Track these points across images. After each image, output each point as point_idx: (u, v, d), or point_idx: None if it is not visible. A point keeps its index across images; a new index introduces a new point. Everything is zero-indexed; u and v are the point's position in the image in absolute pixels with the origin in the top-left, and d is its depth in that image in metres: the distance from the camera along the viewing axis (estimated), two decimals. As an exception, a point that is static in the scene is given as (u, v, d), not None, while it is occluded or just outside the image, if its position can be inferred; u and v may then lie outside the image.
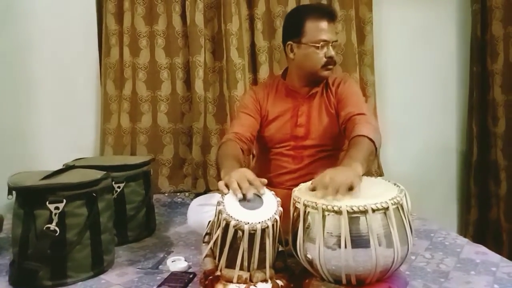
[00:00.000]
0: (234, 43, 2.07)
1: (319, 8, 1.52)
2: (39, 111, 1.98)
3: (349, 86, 1.49)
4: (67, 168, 1.38)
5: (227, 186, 1.08)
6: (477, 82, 2.24)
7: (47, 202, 1.14)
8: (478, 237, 2.22)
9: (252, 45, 2.17)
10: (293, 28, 1.46)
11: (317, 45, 1.41)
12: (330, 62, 1.43)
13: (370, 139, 1.22)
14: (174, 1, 2.11)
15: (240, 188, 1.06)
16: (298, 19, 1.45)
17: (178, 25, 2.12)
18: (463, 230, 2.34)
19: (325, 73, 1.45)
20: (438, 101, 2.35)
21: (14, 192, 1.18)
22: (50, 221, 1.13)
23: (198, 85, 2.09)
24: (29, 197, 1.15)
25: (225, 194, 1.06)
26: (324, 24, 1.41)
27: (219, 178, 1.17)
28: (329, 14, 1.44)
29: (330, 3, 2.15)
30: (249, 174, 1.11)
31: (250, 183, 1.08)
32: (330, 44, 1.42)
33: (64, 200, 1.15)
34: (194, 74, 2.08)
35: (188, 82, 2.14)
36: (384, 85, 2.27)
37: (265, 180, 1.12)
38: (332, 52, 1.42)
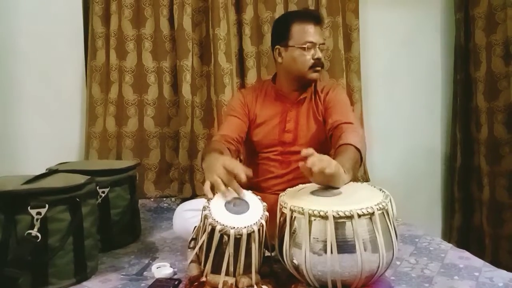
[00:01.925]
0: (222, 48, 2.07)
1: (305, 12, 1.56)
2: (22, 114, 1.94)
3: (337, 94, 1.50)
4: (50, 172, 1.36)
5: (212, 189, 1.07)
6: (461, 89, 2.28)
7: (29, 207, 1.11)
8: (462, 242, 2.25)
9: (240, 50, 2.17)
10: (281, 32, 1.48)
11: (304, 46, 1.42)
12: (317, 63, 1.44)
13: (357, 148, 1.24)
14: (162, 5, 2.10)
15: (226, 185, 1.05)
16: (285, 24, 1.47)
17: (165, 29, 2.11)
18: (447, 235, 2.38)
19: (313, 75, 1.46)
20: (423, 107, 2.39)
21: (-6, 197, 1.15)
22: (32, 227, 1.11)
23: (186, 89, 2.08)
24: (10, 202, 1.12)
25: (210, 199, 1.06)
26: (310, 27, 1.43)
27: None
28: (315, 18, 1.46)
29: (317, 10, 2.17)
30: (230, 162, 1.07)
31: (233, 175, 1.05)
32: (317, 46, 1.43)
33: (47, 205, 1.13)
34: (182, 78, 2.08)
35: (175, 86, 2.13)
36: (370, 91, 2.30)
37: (250, 172, 1.09)
38: (319, 54, 1.43)
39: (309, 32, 1.43)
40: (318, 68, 1.45)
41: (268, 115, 1.52)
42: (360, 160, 1.25)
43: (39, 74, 1.99)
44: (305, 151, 1.00)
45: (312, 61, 1.43)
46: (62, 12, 2.04)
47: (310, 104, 1.51)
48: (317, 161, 0.98)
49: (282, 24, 1.49)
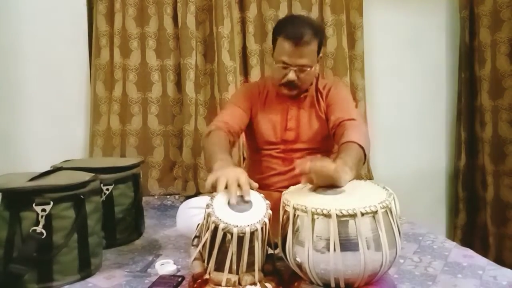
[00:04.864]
0: (226, 46, 2.07)
1: (290, 29, 1.39)
2: (27, 112, 1.96)
3: (339, 91, 1.49)
4: (55, 170, 1.36)
5: (213, 186, 1.07)
6: (465, 88, 2.27)
7: (34, 204, 1.12)
8: (466, 241, 2.24)
9: (244, 48, 2.18)
10: (272, 38, 1.48)
11: (278, 63, 1.40)
12: (287, 84, 1.42)
13: (360, 146, 1.23)
14: (165, 3, 2.10)
15: (227, 189, 1.05)
16: (275, 33, 1.45)
17: (169, 27, 2.12)
18: (451, 234, 2.37)
19: (284, 91, 1.45)
20: (427, 106, 2.38)
21: (-1, 194, 1.16)
22: (37, 224, 1.11)
23: (189, 88, 2.09)
24: (15, 199, 1.13)
25: (214, 197, 1.06)
26: (287, 46, 1.36)
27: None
28: (295, 38, 1.35)
29: (321, 9, 2.17)
30: (242, 177, 1.09)
31: (240, 187, 1.07)
32: (293, 67, 1.38)
33: (51, 202, 1.13)
34: (185, 76, 2.08)
35: (179, 84, 2.14)
36: (374, 89, 2.30)
37: (256, 184, 1.11)
38: (291, 76, 1.38)
39: (285, 52, 1.37)
40: (287, 91, 1.43)
41: (270, 113, 1.52)
42: (364, 157, 1.24)
43: (43, 73, 2.00)
44: (298, 168, 1.00)
45: (284, 80, 1.41)
46: (66, 11, 2.05)
47: (312, 102, 1.51)
48: (313, 164, 0.99)
49: (274, 31, 1.47)
